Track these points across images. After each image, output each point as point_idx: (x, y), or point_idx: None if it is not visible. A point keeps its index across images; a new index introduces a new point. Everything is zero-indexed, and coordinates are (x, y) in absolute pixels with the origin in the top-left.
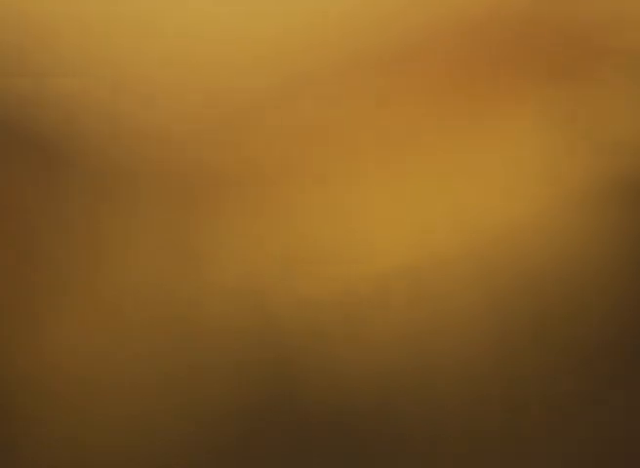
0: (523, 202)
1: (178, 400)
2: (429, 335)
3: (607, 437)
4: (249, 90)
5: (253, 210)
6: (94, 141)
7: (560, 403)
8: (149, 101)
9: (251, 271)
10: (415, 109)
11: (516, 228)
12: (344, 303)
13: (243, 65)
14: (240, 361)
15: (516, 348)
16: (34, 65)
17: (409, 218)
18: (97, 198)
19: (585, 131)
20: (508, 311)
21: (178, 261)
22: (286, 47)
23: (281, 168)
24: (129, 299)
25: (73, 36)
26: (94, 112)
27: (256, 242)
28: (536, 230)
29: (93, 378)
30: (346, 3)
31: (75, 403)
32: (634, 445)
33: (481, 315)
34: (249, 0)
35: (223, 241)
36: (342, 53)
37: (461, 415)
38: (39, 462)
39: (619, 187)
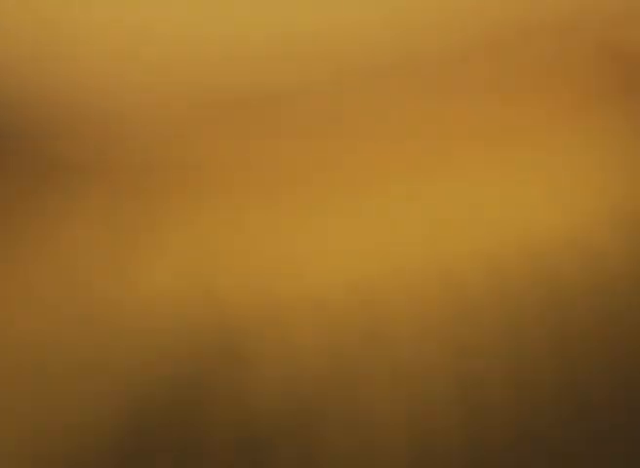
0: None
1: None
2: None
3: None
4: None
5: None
6: (40, 133)
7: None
8: (105, 95)
9: (199, 268)
10: (463, 122)
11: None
12: (306, 300)
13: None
14: (191, 353)
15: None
16: None
17: (422, 226)
18: (33, 190)
19: None
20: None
21: (117, 256)
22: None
23: (232, 166)
24: (63, 295)
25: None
26: (50, 106)
27: (206, 238)
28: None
29: (24, 370)
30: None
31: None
32: None
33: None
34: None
35: (169, 238)
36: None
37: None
38: None
39: None
